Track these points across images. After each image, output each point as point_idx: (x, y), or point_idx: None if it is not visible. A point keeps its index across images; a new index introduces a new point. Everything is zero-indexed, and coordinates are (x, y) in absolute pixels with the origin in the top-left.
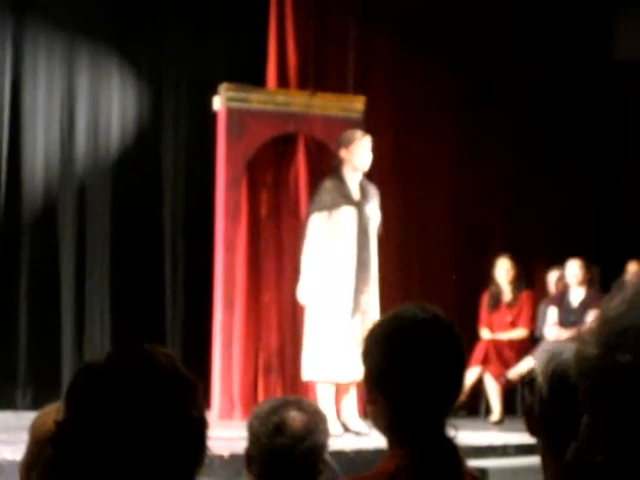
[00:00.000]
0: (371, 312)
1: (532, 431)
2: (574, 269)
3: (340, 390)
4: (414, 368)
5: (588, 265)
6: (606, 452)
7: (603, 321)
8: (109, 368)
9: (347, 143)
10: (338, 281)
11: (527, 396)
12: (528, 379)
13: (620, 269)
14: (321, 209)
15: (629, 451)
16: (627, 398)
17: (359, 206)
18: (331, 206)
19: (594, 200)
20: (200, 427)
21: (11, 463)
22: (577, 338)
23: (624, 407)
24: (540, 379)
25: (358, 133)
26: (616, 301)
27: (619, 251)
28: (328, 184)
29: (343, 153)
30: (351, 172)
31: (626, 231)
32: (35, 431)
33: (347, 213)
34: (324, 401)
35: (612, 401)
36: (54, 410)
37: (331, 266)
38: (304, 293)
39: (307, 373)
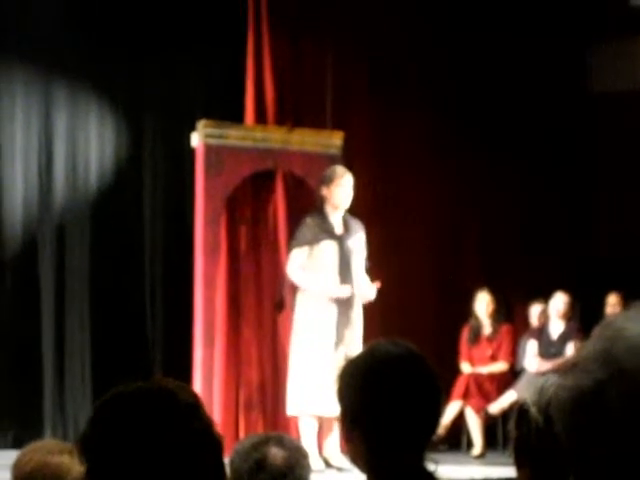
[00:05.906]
0: (354, 345)
1: (521, 464)
2: (558, 302)
3: (323, 425)
4: (389, 404)
5: (572, 299)
6: None
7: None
8: (131, 405)
9: (328, 182)
10: (321, 315)
11: (513, 429)
12: (517, 412)
13: (599, 301)
14: (302, 244)
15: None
16: (592, 422)
17: (340, 240)
18: (312, 241)
19: (571, 232)
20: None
21: None
22: (559, 373)
23: (593, 432)
24: (534, 410)
25: (339, 172)
26: (591, 337)
27: (598, 283)
28: (309, 220)
29: (324, 191)
30: (332, 209)
31: (605, 263)
32: (19, 470)
33: (328, 247)
34: (306, 436)
35: (582, 428)
36: (38, 448)
37: (313, 300)
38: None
39: (291, 408)
